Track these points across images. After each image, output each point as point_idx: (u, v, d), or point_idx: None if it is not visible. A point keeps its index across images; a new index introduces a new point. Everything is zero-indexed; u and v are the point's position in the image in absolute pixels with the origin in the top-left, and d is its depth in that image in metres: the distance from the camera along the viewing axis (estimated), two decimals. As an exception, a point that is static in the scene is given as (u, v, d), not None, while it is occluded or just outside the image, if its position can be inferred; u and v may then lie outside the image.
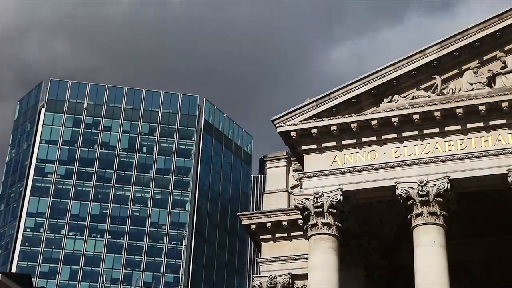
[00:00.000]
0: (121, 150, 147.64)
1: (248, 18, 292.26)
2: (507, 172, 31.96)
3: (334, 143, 35.02)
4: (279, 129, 35.48)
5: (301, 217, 35.47)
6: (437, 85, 34.48)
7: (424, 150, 33.83)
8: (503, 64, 34.03)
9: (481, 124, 33.23)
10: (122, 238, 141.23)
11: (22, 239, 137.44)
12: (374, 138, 34.54)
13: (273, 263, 40.07)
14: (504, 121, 32.95)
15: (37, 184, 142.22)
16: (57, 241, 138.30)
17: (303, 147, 35.55)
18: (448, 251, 32.51)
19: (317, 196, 33.97)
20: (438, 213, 32.61)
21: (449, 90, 34.33)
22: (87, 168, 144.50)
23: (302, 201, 34.41)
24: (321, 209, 33.90)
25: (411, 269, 32.73)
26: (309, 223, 34.28)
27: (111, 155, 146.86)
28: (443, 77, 34.65)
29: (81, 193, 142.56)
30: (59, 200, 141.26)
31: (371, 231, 38.09)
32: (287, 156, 41.81)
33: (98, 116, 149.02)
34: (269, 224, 40.27)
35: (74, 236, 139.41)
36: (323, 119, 34.93)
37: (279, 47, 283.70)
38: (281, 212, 40.21)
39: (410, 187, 33.01)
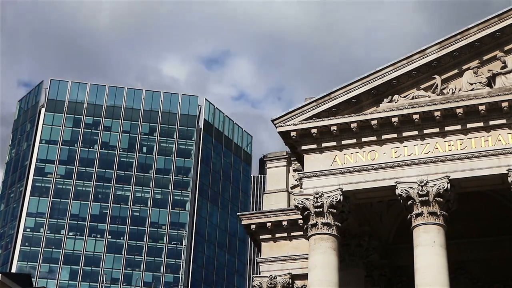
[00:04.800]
0: (121, 150, 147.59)
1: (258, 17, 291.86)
2: (507, 172, 31.97)
3: (334, 143, 35.02)
4: (279, 129, 35.47)
5: (301, 217, 35.47)
6: (437, 85, 34.49)
7: (424, 150, 33.83)
8: (503, 64, 34.03)
9: (481, 124, 33.23)
10: (122, 238, 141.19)
11: (22, 239, 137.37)
12: (374, 138, 34.54)
13: (273, 263, 40.09)
14: (504, 121, 32.95)
15: (37, 184, 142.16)
16: (57, 241, 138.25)
17: (303, 147, 35.55)
18: (448, 251, 32.52)
19: (317, 196, 33.97)
20: (438, 213, 32.61)
21: (449, 90, 34.34)
22: (87, 168, 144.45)
23: (302, 201, 34.41)
24: (321, 209, 33.90)
25: (411, 269, 32.74)
26: (309, 223, 34.28)
27: (111, 155, 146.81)
28: (443, 77, 34.67)
29: (81, 193, 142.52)
30: (59, 200, 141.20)
31: (371, 231, 38.10)
32: (287, 156, 41.83)
33: (98, 116, 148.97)
34: (269, 224, 40.29)
35: (74, 236, 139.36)
36: (323, 119, 34.93)
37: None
38: (281, 212, 40.23)
39: (410, 187, 33.01)
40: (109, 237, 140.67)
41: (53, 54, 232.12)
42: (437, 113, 33.41)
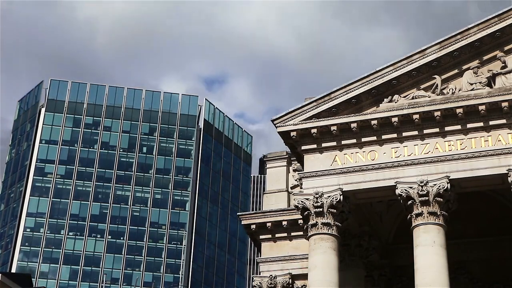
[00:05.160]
0: (121, 150, 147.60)
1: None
2: (507, 172, 31.96)
3: (334, 143, 35.01)
4: (279, 129, 35.45)
5: (301, 217, 35.46)
6: (437, 85, 34.48)
7: (424, 150, 33.82)
8: (503, 64, 34.02)
9: (481, 124, 33.22)
10: (122, 238, 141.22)
11: (22, 239, 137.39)
12: (374, 138, 34.53)
13: (273, 263, 40.08)
14: (504, 121, 32.95)
15: (37, 184, 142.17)
16: (57, 241, 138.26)
17: (303, 147, 35.54)
18: (448, 251, 32.52)
19: (317, 196, 33.96)
20: (438, 213, 32.61)
21: (449, 90, 34.33)
22: (87, 168, 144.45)
23: (302, 201, 34.40)
24: (321, 209, 33.89)
25: (411, 269, 32.73)
26: (309, 223, 34.27)
27: (111, 155, 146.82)
28: (443, 77, 34.65)
29: (81, 193, 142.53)
30: (59, 200, 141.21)
31: (371, 231, 38.09)
32: (287, 156, 41.81)
33: (98, 116, 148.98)
34: (269, 224, 40.27)
35: (74, 236, 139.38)
36: (323, 119, 34.92)
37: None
38: (281, 212, 40.22)
39: (410, 187, 33.00)
40: (109, 237, 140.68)
41: (51, 74, 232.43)
42: (437, 113, 33.40)
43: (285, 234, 40.25)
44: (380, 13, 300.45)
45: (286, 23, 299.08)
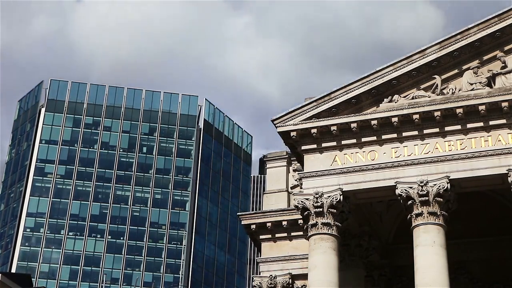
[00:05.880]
0: (121, 150, 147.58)
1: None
2: (507, 172, 31.97)
3: (334, 143, 35.01)
4: (279, 129, 35.45)
5: (301, 217, 35.46)
6: (437, 85, 34.48)
7: (424, 150, 33.82)
8: (503, 64, 34.02)
9: (481, 124, 33.22)
10: (122, 238, 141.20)
11: (22, 239, 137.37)
12: (374, 138, 34.53)
13: (273, 263, 40.09)
14: (504, 121, 32.95)
15: (37, 184, 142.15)
16: (57, 241, 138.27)
17: (303, 147, 35.54)
18: (448, 251, 32.52)
19: (317, 196, 33.96)
20: (438, 213, 32.61)
21: (449, 90, 34.33)
22: (87, 168, 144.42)
23: (302, 201, 34.40)
24: (321, 209, 33.89)
25: (411, 269, 32.74)
26: (309, 223, 34.27)
27: (111, 155, 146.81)
28: (443, 77, 34.66)
29: (81, 193, 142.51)
30: (59, 200, 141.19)
31: (371, 231, 38.10)
32: (287, 156, 41.82)
33: (98, 116, 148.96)
34: (269, 224, 40.28)
35: (74, 236, 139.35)
36: (323, 119, 34.92)
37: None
38: (281, 212, 40.23)
39: (410, 187, 33.00)
40: (109, 237, 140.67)
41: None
42: (437, 113, 33.40)
43: (285, 234, 40.25)
44: (361, 59, 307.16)
45: (269, 69, 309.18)
